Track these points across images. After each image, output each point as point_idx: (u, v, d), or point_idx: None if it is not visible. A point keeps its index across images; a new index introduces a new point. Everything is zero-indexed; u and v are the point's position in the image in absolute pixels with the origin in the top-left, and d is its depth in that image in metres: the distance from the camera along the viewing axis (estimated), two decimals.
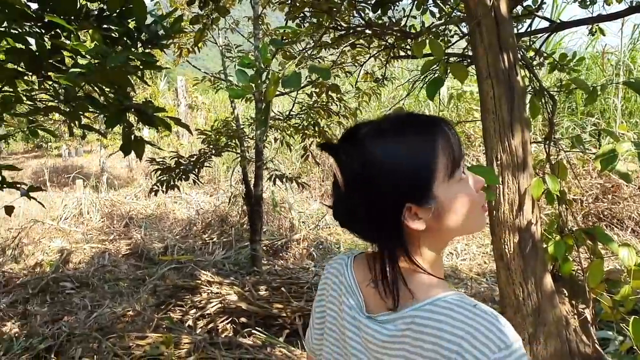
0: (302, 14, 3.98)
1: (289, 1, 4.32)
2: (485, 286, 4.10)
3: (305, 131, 4.27)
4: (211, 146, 4.61)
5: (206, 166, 4.59)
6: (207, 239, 5.57)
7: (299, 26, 4.00)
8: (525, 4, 2.73)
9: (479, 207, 0.74)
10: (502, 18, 1.61)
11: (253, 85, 1.57)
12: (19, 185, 3.01)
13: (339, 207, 0.74)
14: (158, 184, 4.39)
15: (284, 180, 4.29)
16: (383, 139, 0.68)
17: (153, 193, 4.48)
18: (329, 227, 5.71)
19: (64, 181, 10.68)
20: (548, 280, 1.50)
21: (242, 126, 4.85)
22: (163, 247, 5.36)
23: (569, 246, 1.59)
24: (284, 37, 3.85)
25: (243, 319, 3.29)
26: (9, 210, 2.76)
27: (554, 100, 1.76)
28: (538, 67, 2.89)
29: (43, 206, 3.95)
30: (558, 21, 2.48)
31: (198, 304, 3.39)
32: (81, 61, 2.17)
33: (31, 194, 2.91)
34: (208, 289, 3.49)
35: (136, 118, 2.12)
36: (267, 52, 1.58)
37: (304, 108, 4.40)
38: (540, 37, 2.69)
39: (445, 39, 3.58)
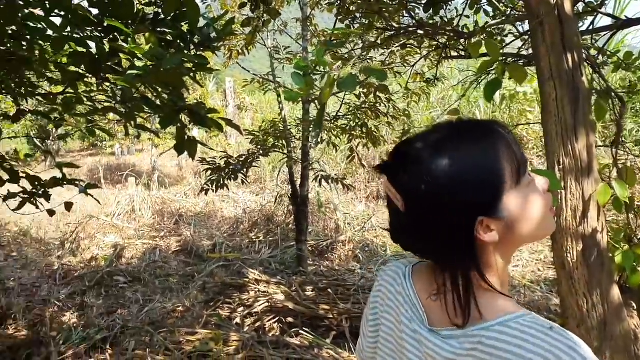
0: (352, 15, 3.97)
1: (338, 2, 4.33)
2: (540, 295, 3.94)
3: (352, 132, 4.25)
4: (259, 147, 4.68)
5: (254, 166, 4.66)
6: (253, 237, 5.65)
7: (349, 27, 3.99)
8: (587, 0, 2.61)
9: (548, 210, 0.70)
10: (566, 16, 1.54)
11: (308, 87, 1.57)
12: (77, 182, 3.16)
13: (399, 229, 0.71)
14: (209, 183, 4.50)
15: (330, 181, 4.29)
16: (443, 152, 0.64)
17: (203, 192, 4.61)
18: (375, 230, 5.67)
19: (117, 179, 11.11)
20: (615, 291, 1.42)
21: (289, 127, 4.89)
22: (211, 245, 5.48)
23: (638, 256, 1.50)
24: (333, 38, 3.85)
25: (290, 319, 3.30)
26: (69, 206, 2.89)
27: (623, 101, 1.67)
28: (601, 67, 2.75)
29: (99, 203, 4.12)
30: (624, 18, 2.35)
31: (246, 302, 3.44)
32: (138, 63, 2.24)
33: (88, 191, 3.06)
34: (256, 288, 3.54)
35: (188, 119, 2.17)
36: (322, 54, 1.57)
37: (351, 109, 4.38)
38: (604, 35, 2.57)
39: (500, 38, 3.48)
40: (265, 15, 3.69)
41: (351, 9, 3.93)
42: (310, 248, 5.06)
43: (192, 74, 2.08)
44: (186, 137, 2.18)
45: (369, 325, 0.83)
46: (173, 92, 2.27)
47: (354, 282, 3.77)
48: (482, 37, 2.56)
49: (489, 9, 3.32)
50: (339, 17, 4.05)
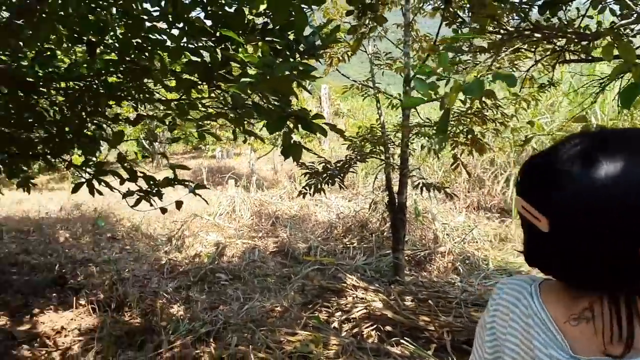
0: (459, 19, 3.84)
1: (443, 7, 4.21)
2: None
3: (456, 139, 4.10)
4: (355, 152, 4.68)
5: (350, 172, 4.66)
6: (347, 243, 5.65)
7: (456, 31, 3.86)
8: None
9: None
10: None
11: (431, 93, 1.52)
12: (186, 183, 3.35)
13: (540, 252, 0.65)
14: (306, 187, 4.58)
15: (432, 189, 4.16)
16: (599, 168, 0.56)
17: (301, 195, 4.70)
18: (476, 242, 5.42)
19: (217, 180, 11.73)
20: None
21: (387, 133, 4.83)
22: (306, 248, 5.57)
23: None
24: (441, 43, 3.75)
25: (388, 327, 3.24)
26: (179, 204, 3.07)
27: None
28: None
29: (207, 203, 4.34)
30: None
31: (344, 307, 3.43)
32: (250, 71, 2.32)
33: (196, 191, 3.24)
34: (353, 293, 3.52)
35: (292, 124, 2.21)
36: (446, 60, 1.52)
37: (455, 114, 4.23)
38: None
39: (628, 39, 3.17)
40: (371, 22, 3.69)
41: (460, 13, 3.81)
42: (406, 257, 4.95)
43: (299, 81, 2.13)
44: (292, 142, 2.23)
45: (487, 347, 0.77)
46: (281, 98, 2.32)
47: (455, 295, 3.62)
48: (609, 38, 2.35)
49: (616, 8, 3.04)
50: (446, 22, 3.94)
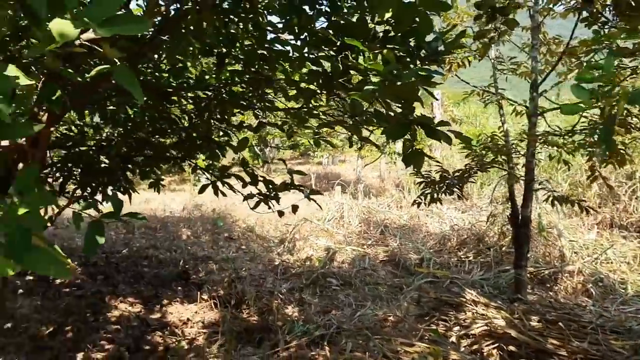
0: (602, 18, 3.51)
1: (577, 7, 3.89)
2: None
3: (593, 148, 3.73)
4: (475, 161, 4.46)
5: (470, 182, 4.46)
6: (462, 256, 5.41)
7: (597, 33, 3.54)
8: None
9: None
10: None
11: (592, 100, 1.39)
12: (301, 188, 3.43)
13: None
14: (421, 197, 4.46)
15: (565, 203, 3.83)
16: None
17: (415, 205, 4.59)
18: (611, 263, 4.89)
19: (324, 186, 11.94)
20: None
21: (512, 142, 4.55)
22: (418, 259, 5.43)
23: None
24: (573, 45, 3.45)
25: (512, 348, 3.02)
26: (295, 208, 3.15)
27: None
28: None
29: (320, 208, 4.42)
30: None
31: (462, 322, 3.27)
32: (373, 79, 2.30)
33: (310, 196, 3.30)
34: (473, 309, 3.34)
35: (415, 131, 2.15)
36: (612, 65, 1.38)
37: (591, 122, 3.86)
38: None
39: None
40: (502, 26, 3.51)
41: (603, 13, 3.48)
42: (528, 275, 4.61)
43: (426, 88, 2.06)
44: (413, 149, 2.17)
45: None
46: (404, 105, 2.27)
47: (590, 319, 3.28)
48: None
49: None
50: (585, 23, 3.62)
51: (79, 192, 3.55)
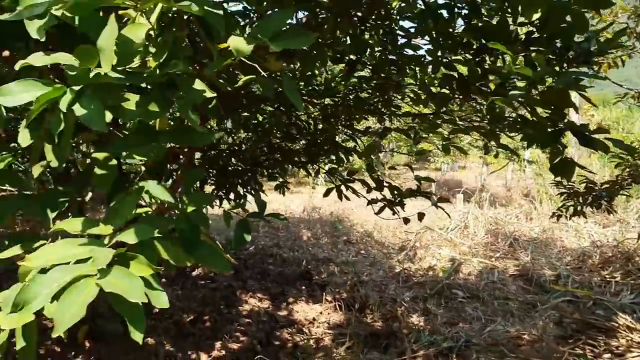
0: None
1: None
2: None
3: None
4: (629, 171, 4.01)
5: (623, 194, 4.01)
6: (607, 276, 4.87)
7: None
8: None
9: None
10: None
11: None
12: (429, 195, 3.33)
13: None
14: (562, 209, 4.13)
15: None
16: None
17: (554, 217, 4.26)
18: None
19: (444, 194, 11.56)
20: None
21: None
22: (554, 276, 5.01)
23: None
24: None
25: None
26: (421, 216, 3.06)
27: None
28: None
29: (449, 216, 4.26)
30: None
31: (615, 349, 2.94)
32: (519, 84, 2.16)
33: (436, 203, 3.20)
34: (627, 335, 2.98)
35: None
36: None
37: None
38: None
39: None
40: None
41: None
42: None
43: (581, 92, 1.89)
44: (562, 158, 2.00)
45: None
46: (554, 110, 2.10)
47: None
48: None
49: None
50: None
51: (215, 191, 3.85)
